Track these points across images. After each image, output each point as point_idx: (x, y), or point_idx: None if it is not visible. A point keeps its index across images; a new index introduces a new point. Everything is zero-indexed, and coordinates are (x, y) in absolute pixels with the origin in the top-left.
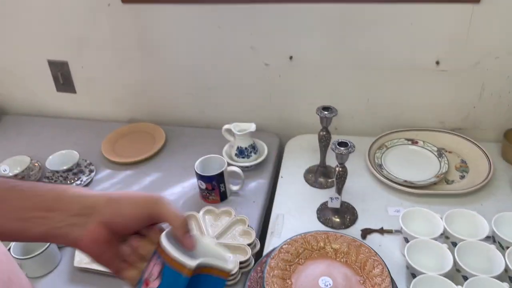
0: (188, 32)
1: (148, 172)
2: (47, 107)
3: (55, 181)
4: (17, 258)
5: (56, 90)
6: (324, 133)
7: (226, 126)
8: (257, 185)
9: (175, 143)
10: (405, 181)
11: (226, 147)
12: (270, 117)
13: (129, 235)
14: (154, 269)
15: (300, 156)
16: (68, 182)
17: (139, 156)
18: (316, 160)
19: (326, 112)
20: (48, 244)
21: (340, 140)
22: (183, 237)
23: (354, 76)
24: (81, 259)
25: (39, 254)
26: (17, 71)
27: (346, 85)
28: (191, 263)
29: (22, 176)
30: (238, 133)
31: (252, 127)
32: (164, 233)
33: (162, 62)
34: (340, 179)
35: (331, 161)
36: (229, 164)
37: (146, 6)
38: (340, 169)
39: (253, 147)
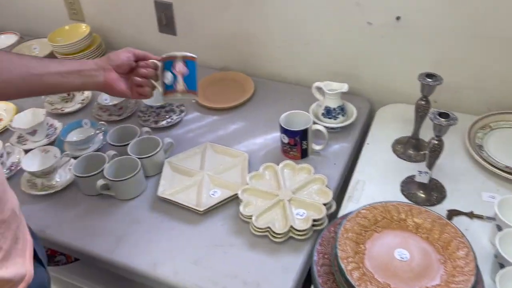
0: None
1: (234, 120)
2: (148, 46)
3: (149, 115)
4: (110, 180)
5: (158, 30)
6: (423, 102)
7: (316, 84)
8: (340, 148)
9: (263, 96)
10: (507, 166)
11: (313, 106)
12: (364, 80)
13: (129, 73)
14: (181, 66)
15: (391, 125)
16: (160, 118)
17: (227, 103)
18: (407, 132)
19: (429, 80)
20: (137, 170)
21: (441, 111)
22: (152, 56)
23: (466, 44)
24: (164, 190)
25: (128, 178)
26: (126, 8)
27: (455, 54)
28: (193, 54)
29: (120, 106)
30: (329, 92)
31: (344, 87)
32: (162, 56)
33: (262, 11)
34: (434, 152)
35: (425, 134)
36: (314, 123)
37: None
38: (436, 141)
39: (342, 109)
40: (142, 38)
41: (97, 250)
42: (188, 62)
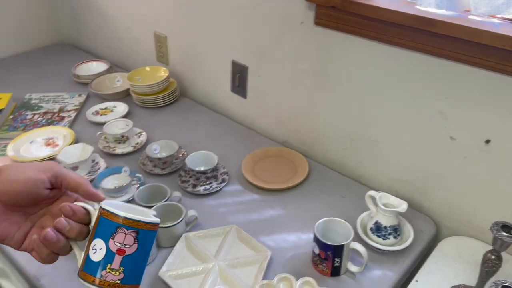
0: (371, 72)
1: (274, 205)
2: (217, 102)
3: (190, 177)
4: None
5: (230, 89)
6: (493, 257)
7: (370, 193)
8: (382, 276)
9: (314, 184)
10: None
11: (364, 214)
12: (433, 198)
13: (28, 206)
14: (126, 239)
15: (453, 264)
16: (199, 183)
17: (273, 184)
18: (471, 280)
19: (505, 234)
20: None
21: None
22: (94, 193)
23: None
24: (168, 270)
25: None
26: (206, 62)
27: None
28: (157, 219)
29: (165, 161)
30: (382, 207)
31: (402, 207)
32: (106, 206)
33: (332, 95)
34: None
35: None
36: (357, 237)
37: (337, 33)
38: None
39: (395, 229)
40: (213, 93)
41: None
42: (143, 232)
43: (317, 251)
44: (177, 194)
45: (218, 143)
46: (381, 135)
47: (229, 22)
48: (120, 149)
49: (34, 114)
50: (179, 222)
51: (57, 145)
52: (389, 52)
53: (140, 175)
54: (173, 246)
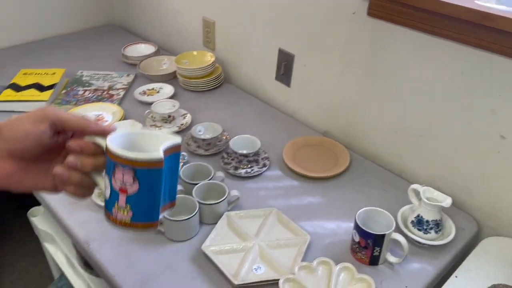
0: (422, 65)
1: (313, 193)
2: (261, 89)
3: (232, 159)
4: (168, 219)
5: (274, 78)
6: None
7: (414, 186)
8: (421, 269)
9: (355, 175)
10: None
11: (405, 208)
12: (477, 197)
13: (44, 155)
14: (125, 177)
15: (493, 263)
16: (241, 166)
17: (313, 172)
18: (510, 280)
19: None
20: (192, 215)
21: None
22: (100, 126)
23: None
24: (210, 244)
25: (180, 220)
26: (252, 49)
27: None
28: (159, 155)
29: (209, 142)
30: (426, 200)
31: (446, 201)
32: (106, 140)
33: (380, 87)
34: None
35: None
36: (397, 229)
37: (390, 25)
38: None
39: (437, 224)
40: (257, 80)
41: (121, 283)
42: (141, 172)
43: (357, 238)
44: (220, 174)
45: (259, 129)
46: (426, 130)
47: (278, 10)
48: (166, 129)
49: (85, 90)
50: (222, 201)
51: (106, 121)
52: (443, 46)
53: (185, 154)
54: (215, 223)
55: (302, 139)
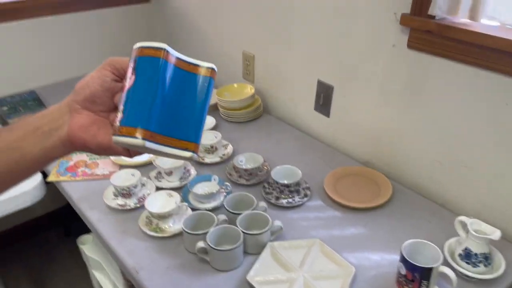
0: (466, 97)
1: (355, 223)
2: (300, 119)
3: (273, 189)
4: (208, 245)
5: (313, 108)
6: None
7: (461, 218)
8: None
9: (398, 206)
10: None
11: (452, 240)
12: None
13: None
14: (129, 72)
15: None
16: (282, 196)
17: (355, 202)
18: None
19: None
20: (236, 245)
21: None
22: None
23: None
24: (255, 275)
25: (225, 250)
26: (291, 80)
27: None
28: (163, 45)
29: (251, 172)
30: (474, 233)
31: (495, 234)
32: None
33: (421, 117)
34: None
35: None
36: (444, 262)
37: (431, 57)
38: None
39: (486, 258)
40: (296, 110)
41: None
42: (141, 60)
43: (403, 271)
44: (262, 204)
45: (299, 159)
46: (470, 160)
47: (316, 42)
48: (209, 159)
49: None
50: (266, 231)
51: None
52: (486, 77)
53: (228, 184)
54: (259, 253)
55: (343, 169)
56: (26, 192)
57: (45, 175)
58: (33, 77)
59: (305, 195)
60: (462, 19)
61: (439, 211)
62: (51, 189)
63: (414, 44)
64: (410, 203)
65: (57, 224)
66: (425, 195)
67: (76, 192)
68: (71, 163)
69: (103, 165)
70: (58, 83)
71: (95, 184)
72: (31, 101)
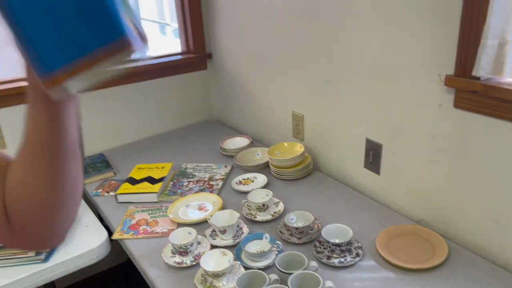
0: None
1: (411, 285)
2: (350, 177)
3: (324, 248)
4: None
5: (363, 165)
6: None
7: None
8: None
9: (454, 267)
10: None
11: None
12: None
13: None
14: None
15: None
16: (333, 255)
17: (408, 263)
18: None
19: None
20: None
21: None
22: None
23: None
24: None
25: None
26: (339, 138)
27: None
28: None
29: (302, 230)
30: None
31: None
32: None
33: (473, 174)
34: None
35: None
36: None
37: (478, 116)
38: None
39: None
40: (346, 168)
41: None
42: None
43: None
44: (313, 264)
45: (350, 217)
46: None
47: (363, 102)
48: (260, 217)
49: (189, 182)
50: None
51: (207, 210)
52: None
53: (279, 243)
54: None
55: (395, 227)
56: (93, 249)
57: (110, 233)
58: (102, 140)
59: (357, 255)
60: (507, 79)
61: (500, 273)
62: (114, 246)
63: (461, 104)
64: (468, 264)
65: (118, 279)
66: (484, 255)
67: (138, 250)
68: (134, 221)
69: (162, 223)
70: (123, 145)
71: (155, 242)
72: (100, 163)
